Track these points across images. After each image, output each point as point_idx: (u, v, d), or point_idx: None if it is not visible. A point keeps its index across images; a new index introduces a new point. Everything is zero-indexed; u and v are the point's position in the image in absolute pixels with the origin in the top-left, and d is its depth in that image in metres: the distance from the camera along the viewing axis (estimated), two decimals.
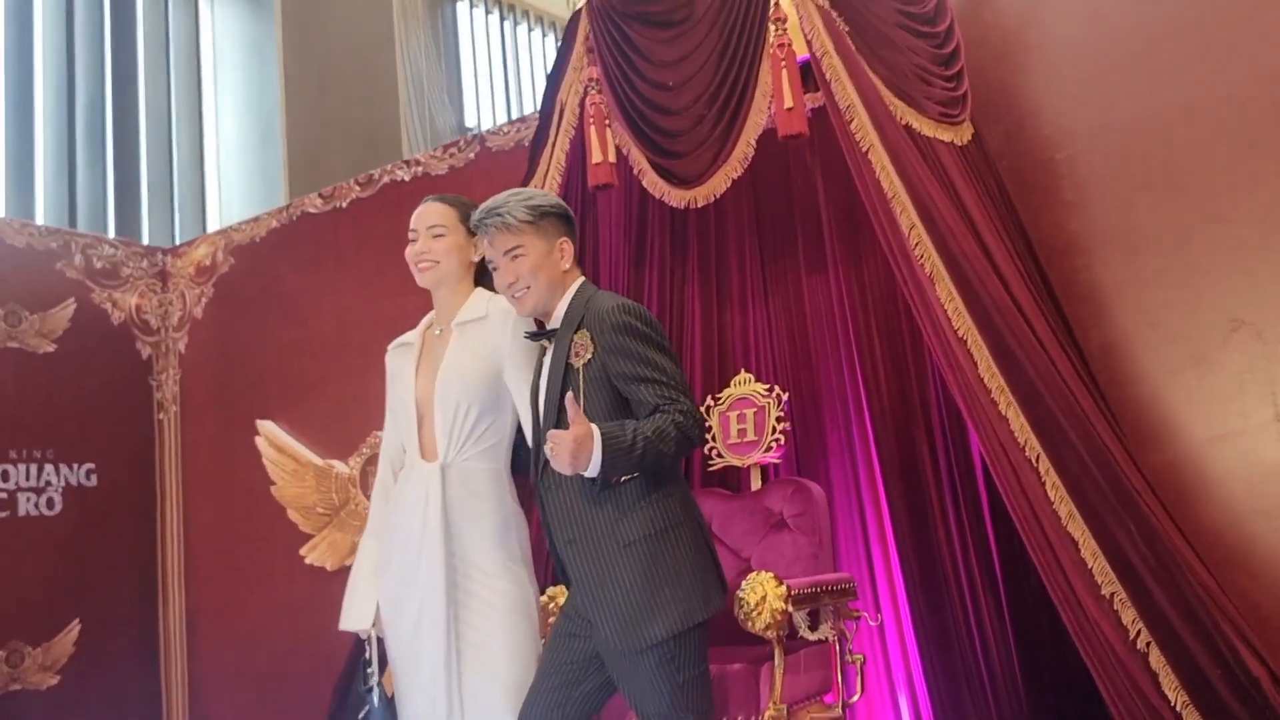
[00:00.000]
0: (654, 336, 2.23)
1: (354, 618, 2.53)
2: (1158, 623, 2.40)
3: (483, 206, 2.30)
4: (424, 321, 2.67)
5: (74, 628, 4.94)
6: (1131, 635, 2.39)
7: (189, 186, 7.43)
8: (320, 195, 5.16)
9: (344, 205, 5.05)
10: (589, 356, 2.22)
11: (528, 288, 2.29)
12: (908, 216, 2.72)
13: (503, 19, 10.49)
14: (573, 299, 2.32)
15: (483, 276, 2.57)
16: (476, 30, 10.10)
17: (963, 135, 3.05)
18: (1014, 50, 3.47)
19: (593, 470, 2.05)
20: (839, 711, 2.74)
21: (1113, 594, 2.42)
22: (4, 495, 4.81)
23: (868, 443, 3.56)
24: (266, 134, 7.34)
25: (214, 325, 5.43)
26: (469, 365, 2.47)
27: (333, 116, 7.68)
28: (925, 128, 2.91)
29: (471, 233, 2.51)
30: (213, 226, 6.97)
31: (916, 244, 2.71)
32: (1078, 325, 3.17)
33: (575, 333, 2.26)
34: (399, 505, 2.51)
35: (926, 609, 3.20)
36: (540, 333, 2.37)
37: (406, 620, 2.43)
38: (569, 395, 2.13)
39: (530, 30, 10.74)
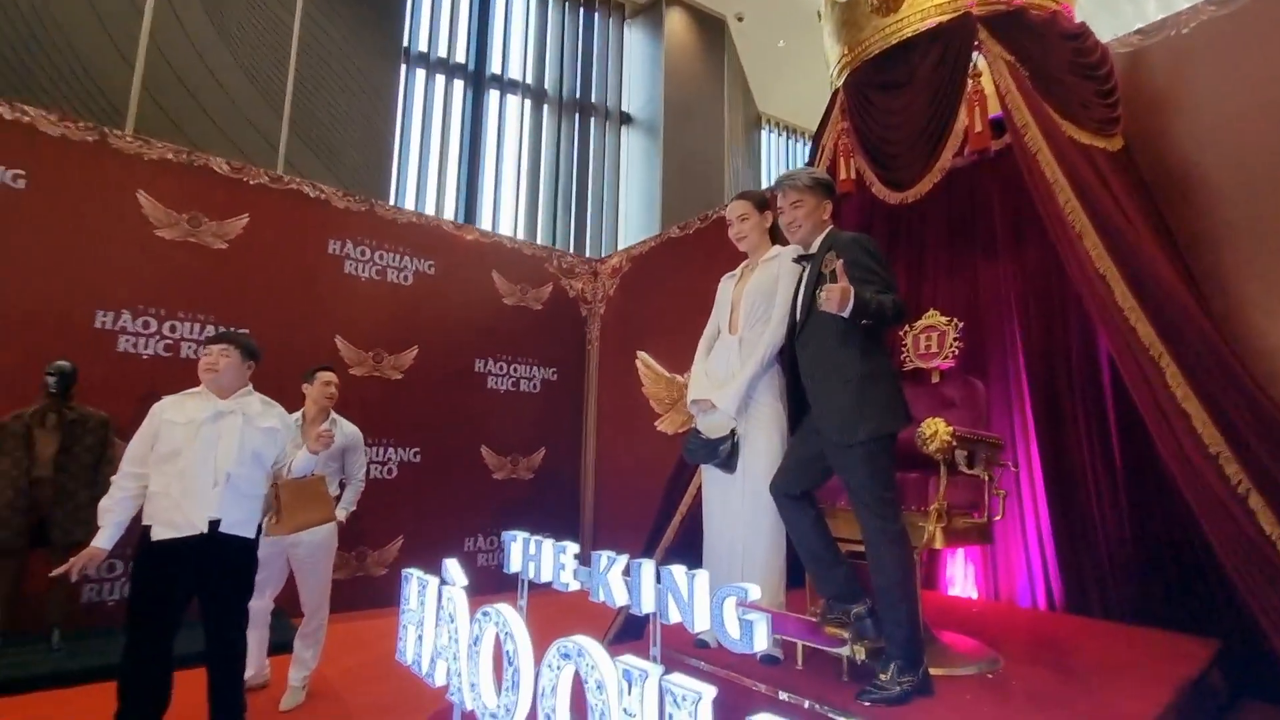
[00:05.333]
0: (878, 255, 2.08)
1: (699, 389, 2.42)
2: (1259, 473, 1.86)
3: (783, 174, 2.27)
4: (743, 264, 2.64)
5: (541, 451, 5.44)
6: (1234, 483, 1.88)
7: (609, 229, 7.98)
8: (678, 227, 5.30)
9: (691, 233, 5.16)
10: (835, 266, 2.09)
11: (800, 225, 2.23)
12: (1064, 193, 2.30)
13: (789, 141, 10.34)
14: (826, 236, 2.23)
15: (775, 235, 2.51)
16: (775, 148, 10.05)
17: (1114, 144, 2.54)
18: (1164, 104, 2.85)
19: (848, 313, 1.93)
20: (985, 522, 2.38)
21: (1218, 453, 1.91)
22: (512, 381, 5.39)
23: (1020, 382, 3.07)
24: (650, 203, 7.73)
25: (619, 301, 5.73)
26: (764, 280, 2.42)
27: (689, 195, 7.92)
28: (1083, 137, 2.47)
29: (762, 210, 2.47)
30: (622, 247, 7.35)
31: (1071, 213, 2.28)
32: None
33: (827, 253, 2.15)
34: (713, 360, 2.50)
35: (1056, 477, 2.70)
36: (803, 256, 2.28)
37: (716, 430, 2.41)
38: (839, 263, 2.00)
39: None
